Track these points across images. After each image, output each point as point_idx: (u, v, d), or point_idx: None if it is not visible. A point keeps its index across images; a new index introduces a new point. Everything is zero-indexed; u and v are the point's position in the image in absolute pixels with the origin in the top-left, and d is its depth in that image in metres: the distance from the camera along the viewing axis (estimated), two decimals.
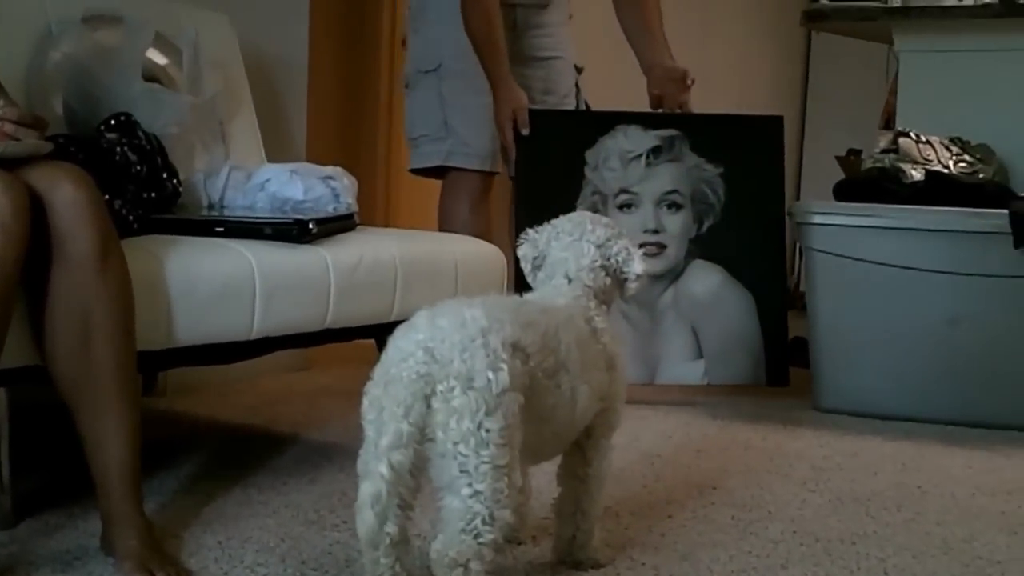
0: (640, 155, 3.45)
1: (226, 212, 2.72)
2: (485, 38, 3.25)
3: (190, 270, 2.21)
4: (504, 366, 1.65)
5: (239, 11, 3.21)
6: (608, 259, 2.00)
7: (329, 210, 2.73)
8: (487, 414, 1.62)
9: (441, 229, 3.44)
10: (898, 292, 3.32)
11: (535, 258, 2.05)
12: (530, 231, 2.07)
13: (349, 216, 2.70)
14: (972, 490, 2.68)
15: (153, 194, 2.46)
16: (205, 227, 2.42)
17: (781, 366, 3.47)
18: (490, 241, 3.05)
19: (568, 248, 1.99)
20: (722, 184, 3.47)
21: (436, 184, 3.57)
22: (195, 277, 2.21)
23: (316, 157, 3.34)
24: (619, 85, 3.56)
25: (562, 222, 2.05)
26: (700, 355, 3.46)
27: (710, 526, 2.33)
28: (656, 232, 3.45)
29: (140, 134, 2.57)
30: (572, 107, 3.59)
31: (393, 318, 2.54)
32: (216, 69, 2.91)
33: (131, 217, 2.36)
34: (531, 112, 3.29)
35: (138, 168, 2.44)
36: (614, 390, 1.97)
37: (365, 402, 1.69)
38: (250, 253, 2.31)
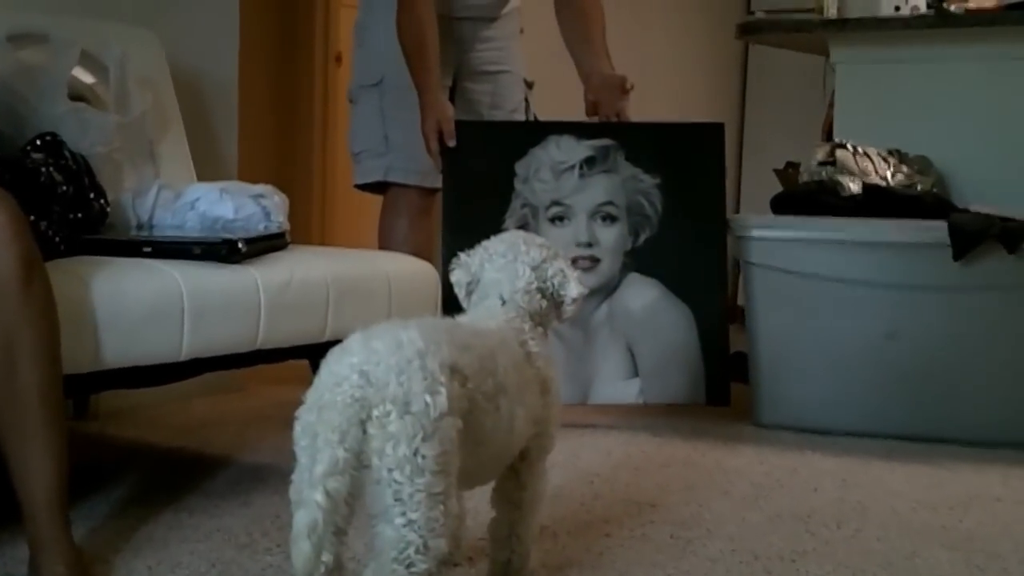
0: (573, 166, 3.43)
1: (155, 232, 2.75)
2: (415, 47, 3.28)
3: (117, 292, 2.23)
4: (442, 389, 1.65)
5: (168, 28, 3.25)
6: (544, 281, 2.01)
7: (260, 229, 2.75)
8: (424, 439, 1.62)
9: (381, 246, 3.47)
10: (837, 305, 3.39)
11: (468, 283, 2.05)
12: (462, 256, 2.07)
13: (280, 235, 2.73)
14: (913, 505, 2.74)
15: (80, 215, 2.48)
16: (133, 248, 2.44)
17: (721, 384, 3.46)
18: (432, 258, 3.08)
19: (502, 270, 2.00)
20: (659, 195, 3.43)
21: (374, 200, 3.60)
22: (122, 299, 2.23)
23: (248, 175, 3.37)
24: (572, 100, 3.56)
25: (495, 243, 2.05)
26: (635, 373, 3.43)
27: (648, 545, 2.38)
28: (589, 245, 3.42)
29: (67, 154, 2.58)
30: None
31: (326, 338, 2.57)
32: (144, 87, 2.93)
33: (57, 238, 2.38)
34: (457, 123, 3.30)
35: (64, 189, 2.46)
36: (548, 414, 1.98)
37: (297, 428, 1.67)
38: (178, 273, 2.33)
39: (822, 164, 3.57)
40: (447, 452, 1.65)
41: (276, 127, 4.99)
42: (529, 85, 3.69)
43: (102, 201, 2.60)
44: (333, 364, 1.69)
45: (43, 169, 2.40)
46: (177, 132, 3.10)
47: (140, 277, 2.30)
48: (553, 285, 2.01)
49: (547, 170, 3.42)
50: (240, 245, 2.45)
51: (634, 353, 3.44)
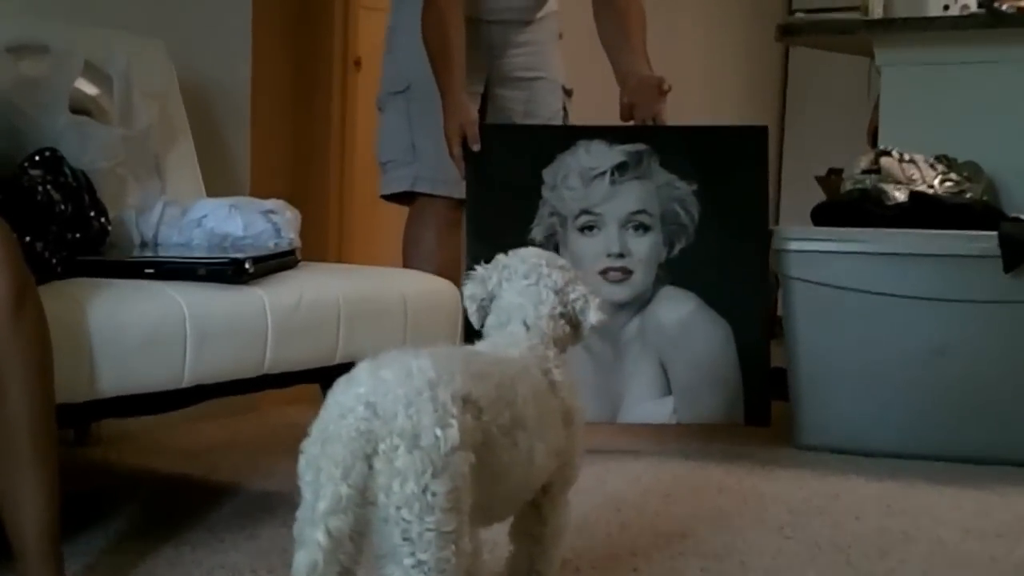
0: (603, 172, 3.30)
1: (160, 250, 2.70)
2: (438, 46, 3.20)
3: (115, 316, 2.16)
4: (454, 422, 1.58)
5: (176, 37, 3.18)
6: (566, 306, 1.96)
7: (270, 246, 2.71)
8: (434, 476, 1.55)
9: (405, 260, 3.40)
10: (882, 321, 3.30)
11: (483, 299, 2.00)
12: (479, 268, 2.01)
13: (291, 252, 2.68)
14: (961, 533, 2.65)
15: (78, 234, 2.42)
16: (135, 269, 2.38)
17: (761, 403, 3.33)
18: (458, 275, 2.99)
19: (524, 293, 1.95)
20: (696, 203, 3.30)
21: (396, 213, 3.53)
22: (120, 323, 2.16)
23: (262, 188, 3.32)
24: (615, 109, 3.46)
25: (514, 262, 1.99)
26: (669, 391, 3.31)
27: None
28: (621, 256, 3.30)
29: (66, 170, 2.53)
30: None
31: (337, 361, 2.51)
32: (150, 99, 2.88)
33: (54, 260, 2.32)
34: (482, 127, 3.22)
35: (62, 207, 2.40)
36: (572, 445, 1.92)
37: (302, 461, 1.61)
38: (181, 296, 2.27)
39: (866, 172, 3.47)
40: (458, 488, 1.57)
41: (291, 137, 4.89)
42: (568, 93, 3.58)
43: (102, 220, 2.54)
44: (339, 394, 1.62)
45: (39, 187, 2.35)
46: (185, 145, 3.05)
47: (140, 301, 2.23)
48: (574, 310, 1.97)
49: (576, 177, 3.31)
50: (247, 265, 2.39)
51: (667, 370, 3.32)
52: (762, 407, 3.34)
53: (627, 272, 3.32)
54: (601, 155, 3.32)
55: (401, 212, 3.51)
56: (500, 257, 2.02)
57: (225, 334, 2.32)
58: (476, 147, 3.19)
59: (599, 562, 2.39)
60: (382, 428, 1.56)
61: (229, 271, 2.38)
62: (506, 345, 1.92)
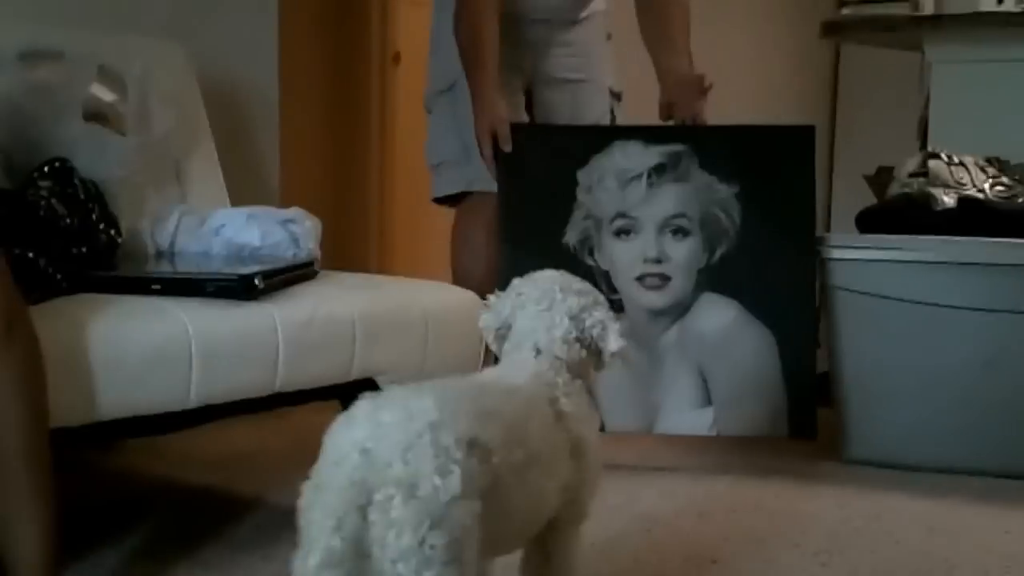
0: (640, 174, 3.15)
1: (178, 260, 2.65)
2: (469, 42, 3.10)
3: (116, 336, 2.09)
4: (455, 469, 1.46)
5: (197, 39, 3.11)
6: (582, 331, 1.87)
7: (289, 256, 2.64)
8: (432, 527, 1.44)
9: (454, 258, 3.32)
10: (929, 332, 3.15)
11: (498, 328, 1.92)
12: (491, 299, 1.94)
13: (308, 264, 2.60)
14: (1008, 562, 2.51)
15: (84, 248, 2.35)
16: (141, 284, 2.31)
17: (807, 415, 3.16)
18: None
19: (537, 319, 1.86)
20: (738, 206, 3.14)
21: (440, 216, 3.42)
22: (121, 344, 2.09)
23: (294, 195, 3.22)
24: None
25: (528, 288, 1.91)
26: (708, 402, 3.15)
27: None
28: (659, 262, 3.16)
29: (76, 181, 2.47)
30: None
31: (353, 377, 2.44)
32: (169, 104, 2.80)
33: (59, 276, 2.25)
34: (513, 126, 3.09)
35: (68, 221, 2.34)
36: (581, 479, 1.81)
37: (301, 504, 1.51)
38: (186, 315, 2.19)
39: (913, 175, 3.31)
40: (459, 540, 1.46)
41: (328, 139, 4.74)
42: (616, 96, 3.44)
43: (112, 232, 2.47)
44: (336, 436, 1.52)
45: (42, 202, 2.27)
46: (207, 152, 2.97)
47: (142, 320, 2.16)
48: (592, 337, 1.87)
49: (612, 179, 3.16)
50: (257, 281, 2.30)
51: (707, 380, 3.17)
52: (808, 419, 3.18)
53: (665, 278, 3.18)
54: (637, 156, 3.17)
55: (446, 215, 3.40)
56: (515, 282, 1.94)
57: (233, 352, 2.24)
58: (507, 148, 3.07)
59: None
60: (377, 477, 1.45)
61: (238, 287, 2.30)
62: (513, 372, 1.83)
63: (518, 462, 1.60)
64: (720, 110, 3.32)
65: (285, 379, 2.33)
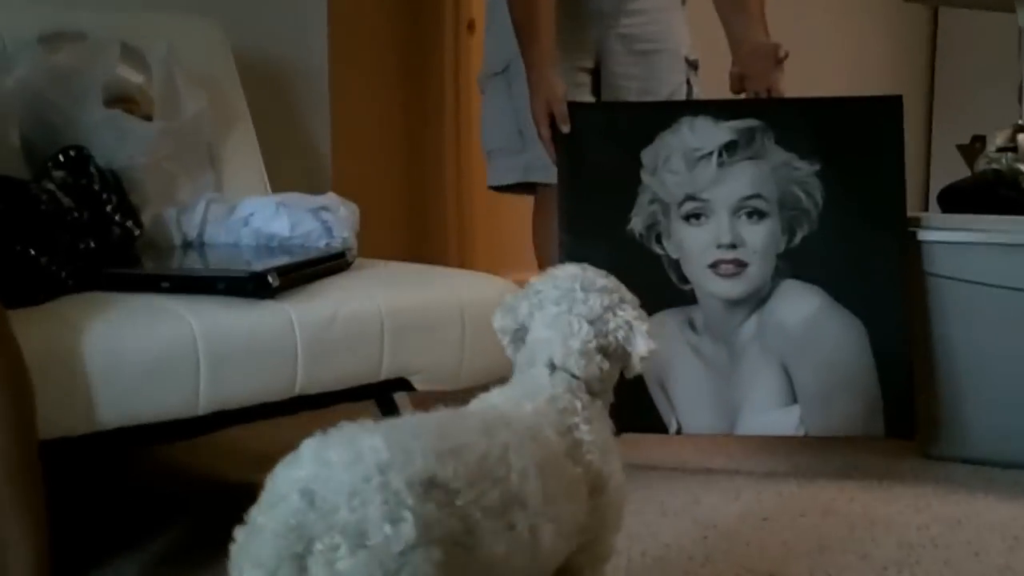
0: (710, 153, 2.89)
1: (207, 250, 2.53)
2: (524, 18, 2.90)
3: (114, 341, 1.96)
4: (408, 515, 1.27)
5: (234, 13, 2.93)
6: (605, 336, 1.68)
7: (321, 246, 2.49)
8: None
9: (537, 254, 3.16)
10: (1020, 319, 2.89)
11: (516, 331, 1.74)
12: (508, 298, 1.76)
13: (340, 254, 2.44)
14: None
15: (92, 243, 2.21)
16: (151, 282, 2.17)
17: (904, 412, 2.86)
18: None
19: (553, 324, 1.67)
20: (820, 185, 2.87)
21: (525, 203, 3.23)
22: (120, 349, 1.97)
23: (350, 183, 3.03)
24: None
25: (547, 286, 1.72)
26: (794, 399, 2.87)
27: None
28: (733, 247, 2.89)
29: (92, 171, 2.35)
30: None
31: (383, 378, 2.30)
32: (198, 85, 2.65)
33: (63, 273, 2.11)
34: (571, 105, 2.87)
35: (76, 214, 2.20)
36: (601, 519, 1.62)
37: (232, 550, 1.33)
38: (192, 315, 2.05)
39: (1001, 150, 3.03)
40: None
41: (393, 118, 4.45)
42: (692, 65, 3.20)
43: (129, 223, 2.34)
44: (277, 476, 1.34)
45: (44, 196, 2.13)
46: (245, 136, 2.83)
47: (144, 322, 2.02)
48: (617, 340, 1.69)
49: (679, 159, 2.90)
50: (270, 278, 2.15)
51: (791, 375, 2.88)
52: (905, 416, 2.88)
53: (741, 264, 2.90)
54: (707, 133, 2.90)
55: (531, 201, 3.22)
56: (533, 281, 1.76)
57: (245, 355, 2.11)
58: (565, 128, 2.86)
59: None
60: (319, 523, 1.26)
61: (250, 285, 2.15)
62: (523, 395, 1.63)
63: (494, 503, 1.39)
64: (802, 82, 3.07)
65: (306, 381, 2.19)
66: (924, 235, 2.95)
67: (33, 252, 2.07)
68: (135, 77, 2.62)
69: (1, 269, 2.02)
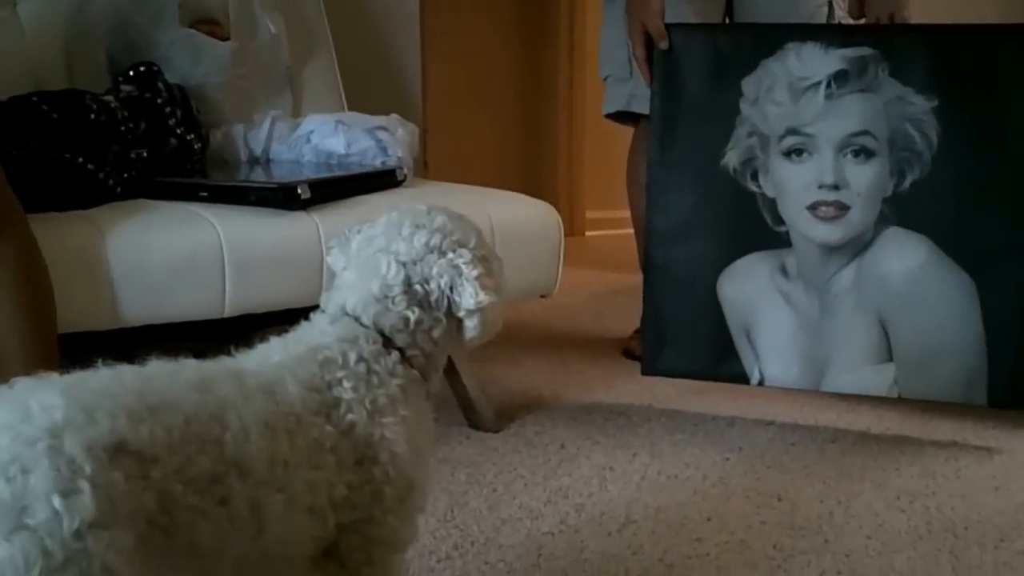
0: (818, 83, 2.58)
1: (272, 166, 2.60)
2: None
3: (140, 243, 2.07)
4: (85, 486, 1.02)
5: None
6: (426, 281, 1.38)
7: (376, 164, 2.51)
8: (50, 574, 1.00)
9: (628, 189, 3.09)
10: None
11: (344, 270, 1.45)
12: (346, 231, 1.49)
13: (386, 173, 2.44)
14: None
15: (145, 153, 2.26)
16: (191, 191, 2.26)
17: (1013, 380, 2.54)
18: None
19: (363, 264, 1.40)
20: (936, 123, 2.52)
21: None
22: (144, 250, 2.06)
23: (443, 107, 2.97)
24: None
25: (384, 221, 1.44)
26: (888, 357, 2.59)
27: (740, 557, 1.96)
28: (836, 188, 2.58)
29: (159, 86, 2.42)
30: None
31: None
32: (275, 7, 2.68)
33: (111, 181, 2.17)
34: (668, 27, 2.65)
35: (130, 125, 2.25)
36: (374, 493, 1.31)
37: None
38: (219, 222, 2.13)
39: None
40: None
41: (501, 42, 4.29)
42: None
43: (190, 137, 2.39)
44: None
45: (96, 107, 2.18)
46: (324, 57, 2.87)
47: (172, 227, 2.12)
48: (439, 288, 1.38)
49: (783, 88, 2.60)
50: (299, 191, 2.20)
51: (888, 332, 2.59)
52: (1015, 385, 2.56)
53: (842, 208, 2.59)
54: (815, 62, 2.59)
55: None
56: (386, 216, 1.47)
57: (271, 262, 2.19)
58: (663, 44, 2.64)
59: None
60: None
61: (280, 196, 2.21)
62: (283, 346, 1.36)
63: (203, 472, 1.14)
64: (926, 8, 2.82)
65: None
66: None
67: (82, 160, 2.13)
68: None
69: (52, 176, 2.10)
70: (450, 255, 1.37)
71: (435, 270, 1.37)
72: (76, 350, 1.89)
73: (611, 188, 3.69)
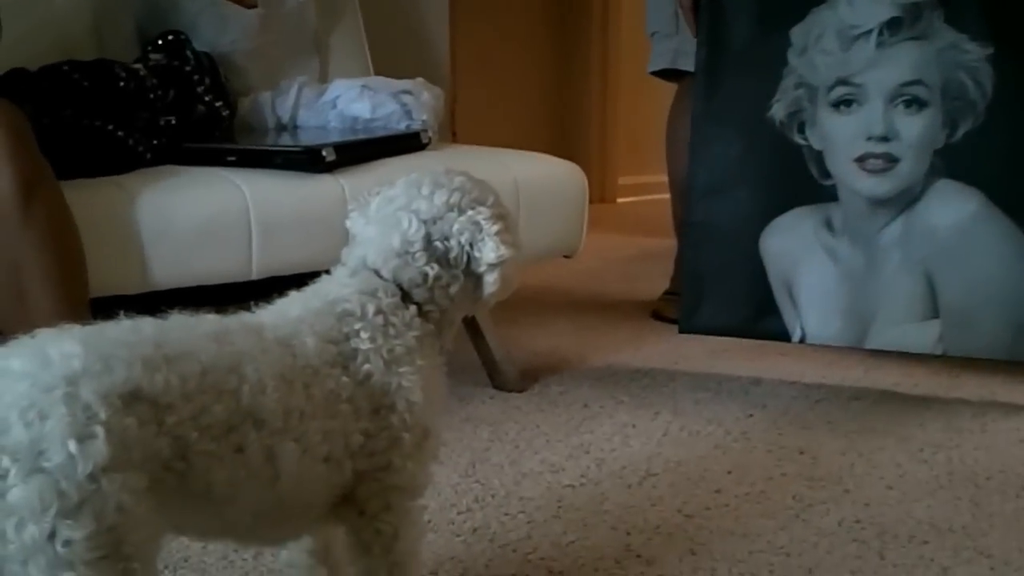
0: (870, 31, 2.48)
1: (299, 132, 2.60)
2: None
3: (165, 207, 2.09)
4: (99, 430, 1.05)
5: None
6: (447, 239, 1.38)
7: (401, 128, 2.52)
8: (66, 514, 1.03)
9: (667, 147, 3.08)
10: None
11: (365, 226, 1.47)
12: (364, 194, 1.49)
13: (411, 136, 2.45)
14: None
15: (173, 120, 2.27)
16: (218, 156, 2.28)
17: None
18: None
19: (383, 220, 1.40)
20: (991, 72, 2.43)
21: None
22: (172, 214, 2.09)
23: (471, 71, 2.96)
24: None
25: (403, 182, 1.44)
26: (935, 314, 2.51)
27: (759, 507, 1.98)
28: (885, 139, 2.49)
29: (188, 54, 2.44)
30: None
31: None
32: None
33: (140, 147, 2.19)
34: None
35: (159, 92, 2.27)
36: (392, 440, 1.32)
37: None
38: (246, 185, 2.16)
39: None
40: (114, 530, 1.06)
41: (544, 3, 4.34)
42: None
43: (218, 104, 2.41)
44: None
45: (124, 75, 2.20)
46: (351, 23, 2.87)
47: (199, 191, 2.13)
48: (459, 245, 1.38)
49: (833, 37, 2.51)
50: (324, 153, 2.23)
51: (935, 286, 2.51)
52: None
53: (892, 160, 2.51)
54: (868, 9, 2.49)
55: None
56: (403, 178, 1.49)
57: (298, 224, 2.21)
58: None
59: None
60: None
61: (305, 159, 2.22)
62: (303, 300, 1.38)
63: (219, 420, 1.16)
64: None
65: None
66: None
67: (111, 127, 2.15)
68: None
69: (83, 143, 2.12)
70: (470, 212, 1.38)
71: (455, 227, 1.37)
72: (107, 313, 1.93)
73: (643, 153, 3.67)
